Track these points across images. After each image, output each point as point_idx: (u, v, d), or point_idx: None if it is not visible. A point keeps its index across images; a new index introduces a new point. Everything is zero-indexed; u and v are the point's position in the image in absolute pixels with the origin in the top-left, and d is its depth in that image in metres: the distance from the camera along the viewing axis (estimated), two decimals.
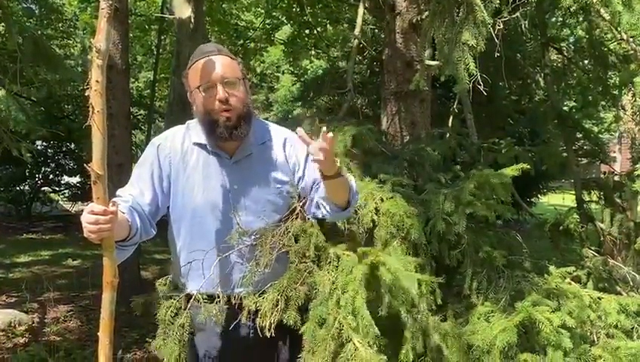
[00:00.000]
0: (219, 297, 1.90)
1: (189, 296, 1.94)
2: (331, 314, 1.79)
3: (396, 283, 1.83)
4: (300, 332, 1.87)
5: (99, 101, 1.50)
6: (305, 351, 1.81)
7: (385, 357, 1.73)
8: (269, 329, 1.80)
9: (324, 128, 1.71)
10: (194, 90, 1.90)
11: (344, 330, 1.75)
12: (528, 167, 2.63)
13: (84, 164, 1.54)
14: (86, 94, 1.50)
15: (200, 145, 1.97)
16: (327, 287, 1.82)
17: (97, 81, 1.49)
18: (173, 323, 1.89)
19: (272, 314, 1.81)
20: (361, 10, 4.37)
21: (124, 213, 1.74)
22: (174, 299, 1.92)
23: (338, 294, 1.81)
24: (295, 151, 2.03)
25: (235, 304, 1.93)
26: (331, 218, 1.99)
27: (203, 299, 1.91)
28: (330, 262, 1.90)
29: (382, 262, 1.86)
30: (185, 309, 1.91)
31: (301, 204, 1.99)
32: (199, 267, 1.92)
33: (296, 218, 1.96)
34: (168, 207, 1.99)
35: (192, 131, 2.00)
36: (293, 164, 2.02)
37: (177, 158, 1.96)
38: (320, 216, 1.98)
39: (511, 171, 2.61)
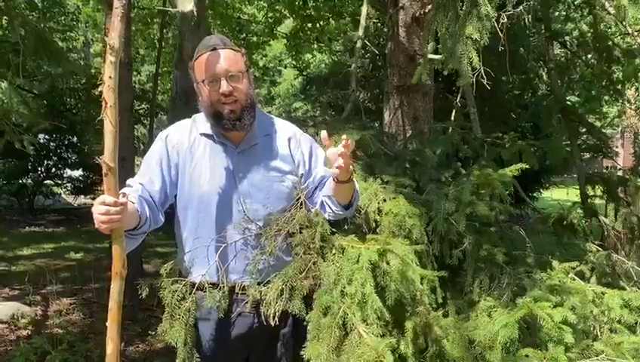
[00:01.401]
0: (223, 284, 1.93)
1: (194, 284, 1.97)
2: (336, 303, 1.79)
3: (404, 271, 1.84)
4: (304, 322, 1.87)
5: (111, 96, 1.56)
6: (310, 339, 1.81)
7: (393, 340, 1.73)
8: (274, 318, 1.81)
9: (324, 133, 1.82)
10: (199, 82, 1.95)
11: (349, 319, 1.75)
12: (527, 166, 2.63)
13: (97, 157, 1.60)
14: (99, 89, 1.57)
15: (207, 135, 2.02)
16: (332, 277, 1.82)
17: (110, 77, 1.56)
18: (179, 308, 1.89)
19: (276, 302, 1.82)
20: (364, 9, 4.35)
21: (133, 202, 1.79)
22: (180, 284, 1.94)
23: (343, 283, 1.81)
24: (300, 148, 2.08)
25: (239, 292, 1.96)
26: (334, 217, 2.05)
27: (208, 286, 1.93)
28: (334, 253, 1.90)
29: (389, 250, 1.87)
30: (190, 294, 1.93)
31: (305, 193, 2.03)
32: (205, 254, 1.96)
33: (301, 207, 1.97)
34: (175, 196, 2.04)
35: (199, 123, 2.05)
36: (297, 160, 2.07)
37: (185, 148, 2.01)
38: (325, 216, 2.03)
39: (512, 171, 2.61)
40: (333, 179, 1.90)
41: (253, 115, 1.98)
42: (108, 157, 1.58)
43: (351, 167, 1.85)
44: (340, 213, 2.01)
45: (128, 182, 1.96)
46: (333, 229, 2.02)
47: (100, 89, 1.56)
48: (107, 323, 1.67)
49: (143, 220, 1.83)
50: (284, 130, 2.10)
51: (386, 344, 1.68)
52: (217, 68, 1.90)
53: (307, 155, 2.09)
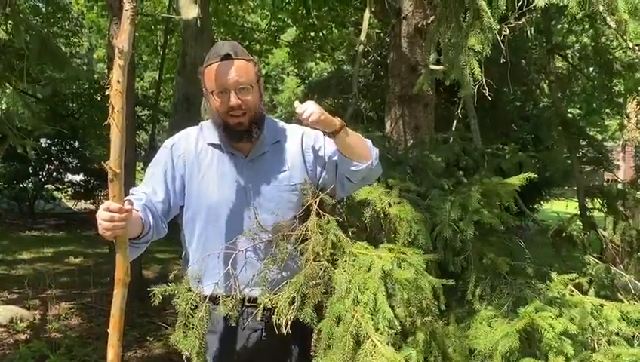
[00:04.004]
0: (235, 294, 1.88)
1: (205, 295, 1.92)
2: (349, 312, 1.78)
3: (417, 280, 1.83)
4: (311, 329, 1.85)
5: (119, 100, 1.53)
6: (321, 349, 1.80)
7: (412, 352, 1.73)
8: (285, 327, 1.77)
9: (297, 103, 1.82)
10: (208, 92, 1.91)
11: (362, 328, 1.74)
12: (535, 176, 2.63)
13: (102, 162, 1.57)
14: (106, 93, 1.53)
15: (214, 145, 1.98)
16: (344, 285, 1.81)
17: (118, 81, 1.53)
18: (193, 316, 1.86)
19: (288, 311, 1.79)
20: (366, 15, 4.38)
21: (137, 210, 1.76)
22: (193, 292, 1.90)
23: (356, 292, 1.80)
24: (312, 141, 2.02)
25: (248, 304, 1.91)
26: (365, 176, 1.99)
27: (222, 298, 1.88)
28: (346, 260, 1.89)
29: (404, 259, 1.86)
30: (204, 303, 1.89)
31: (317, 200, 1.96)
32: (214, 265, 1.92)
33: (311, 214, 1.94)
34: (181, 207, 2.00)
35: (206, 132, 2.01)
36: (314, 155, 2.02)
37: (191, 158, 1.97)
38: (354, 185, 2.02)
39: (517, 180, 2.60)
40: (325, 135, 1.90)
41: (262, 126, 1.94)
42: (114, 163, 1.55)
43: (323, 117, 1.81)
44: (363, 167, 1.95)
45: (132, 190, 1.92)
46: (343, 235, 1.99)
47: (107, 92, 1.53)
48: (109, 330, 1.65)
49: (146, 229, 1.80)
50: (295, 134, 2.04)
51: (404, 356, 1.68)
52: (227, 79, 1.84)
53: (321, 142, 2.02)
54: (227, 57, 1.87)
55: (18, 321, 4.97)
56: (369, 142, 2.04)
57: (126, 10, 1.53)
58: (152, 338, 4.75)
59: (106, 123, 1.54)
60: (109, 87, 1.53)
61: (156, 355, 4.43)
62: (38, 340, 4.49)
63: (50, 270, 7.16)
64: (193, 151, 1.98)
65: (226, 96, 1.86)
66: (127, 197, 1.72)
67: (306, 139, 2.03)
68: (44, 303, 5.65)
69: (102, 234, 1.60)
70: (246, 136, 1.90)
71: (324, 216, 1.96)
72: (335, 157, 1.98)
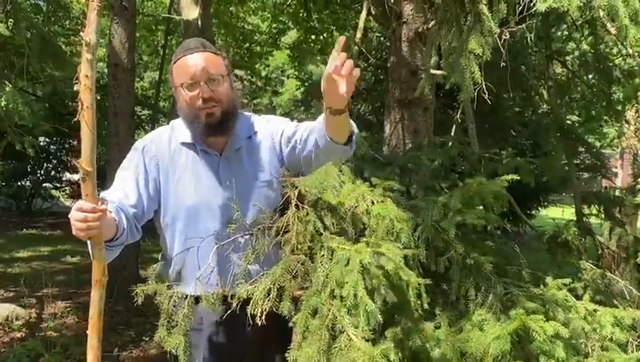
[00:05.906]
0: (217, 294, 1.88)
1: (188, 295, 1.91)
2: (325, 305, 1.78)
3: (396, 274, 1.83)
4: (290, 323, 1.85)
5: (88, 96, 1.45)
6: (297, 341, 1.79)
7: (390, 345, 1.72)
8: (260, 318, 1.75)
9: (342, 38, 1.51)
10: (177, 87, 1.88)
11: (338, 321, 1.74)
12: (518, 177, 2.61)
13: (73, 160, 1.53)
14: (75, 89, 1.45)
15: (188, 144, 1.95)
16: (321, 278, 1.81)
17: (87, 76, 1.44)
18: (176, 314, 1.85)
19: (263, 302, 1.77)
20: (363, 15, 4.39)
21: (111, 212, 1.70)
22: (176, 291, 1.89)
23: (332, 285, 1.79)
24: (278, 126, 1.99)
25: (233, 301, 1.86)
26: (332, 151, 1.83)
27: (205, 296, 1.87)
28: (323, 254, 1.88)
29: (382, 252, 1.86)
30: (186, 299, 1.88)
31: (295, 193, 1.94)
32: (196, 265, 1.91)
33: (290, 207, 1.94)
34: (155, 211, 1.97)
35: (178, 131, 1.98)
36: (282, 141, 1.97)
37: (165, 160, 1.94)
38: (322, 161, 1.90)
39: (504, 180, 2.58)
40: (328, 111, 1.64)
41: (235, 119, 1.91)
42: (85, 162, 1.49)
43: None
44: (337, 149, 1.81)
45: (102, 194, 1.84)
46: (322, 231, 1.98)
47: (75, 88, 1.44)
48: (88, 332, 1.60)
49: (120, 231, 1.74)
50: (264, 127, 2.01)
51: (381, 350, 1.68)
52: (196, 71, 1.82)
53: (284, 129, 1.96)
54: (195, 50, 1.85)
55: (14, 319, 4.98)
56: (353, 125, 1.88)
57: (92, 1, 1.46)
58: (147, 338, 4.75)
59: (75, 119, 1.46)
60: (76, 82, 1.44)
61: (152, 355, 4.43)
62: (33, 339, 4.49)
63: (46, 268, 7.18)
64: (167, 153, 1.95)
65: (196, 88, 1.83)
66: (100, 196, 1.67)
67: (272, 126, 2.01)
68: (40, 302, 5.66)
69: (76, 235, 1.54)
70: (220, 129, 1.86)
71: (302, 208, 1.95)
72: (296, 137, 1.91)
